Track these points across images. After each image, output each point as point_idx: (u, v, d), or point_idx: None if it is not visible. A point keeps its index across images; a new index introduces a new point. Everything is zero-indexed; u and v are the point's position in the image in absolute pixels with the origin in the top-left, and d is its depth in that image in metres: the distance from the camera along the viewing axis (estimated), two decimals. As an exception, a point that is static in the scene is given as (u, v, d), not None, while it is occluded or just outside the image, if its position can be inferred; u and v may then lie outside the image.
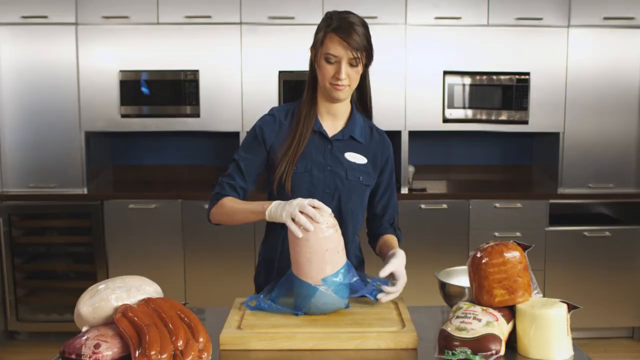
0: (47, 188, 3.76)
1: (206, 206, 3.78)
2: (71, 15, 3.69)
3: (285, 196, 1.78)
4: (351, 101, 1.89)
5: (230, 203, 1.78)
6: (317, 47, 1.77)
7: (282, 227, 1.64)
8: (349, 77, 1.74)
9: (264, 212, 1.64)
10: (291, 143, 1.80)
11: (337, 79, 1.73)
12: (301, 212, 1.54)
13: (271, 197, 1.83)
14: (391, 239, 1.90)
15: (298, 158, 1.79)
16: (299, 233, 1.53)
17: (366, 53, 1.75)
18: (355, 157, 1.85)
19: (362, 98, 1.92)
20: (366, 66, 1.81)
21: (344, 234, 1.70)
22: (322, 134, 1.83)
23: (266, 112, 1.92)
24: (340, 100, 1.80)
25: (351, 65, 1.73)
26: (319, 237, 1.53)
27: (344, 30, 1.70)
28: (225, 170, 1.87)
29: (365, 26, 1.76)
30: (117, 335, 1.36)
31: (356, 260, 1.93)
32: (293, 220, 1.54)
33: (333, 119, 1.86)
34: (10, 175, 3.77)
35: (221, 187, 1.83)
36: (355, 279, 1.60)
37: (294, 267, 1.58)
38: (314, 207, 1.56)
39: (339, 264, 1.57)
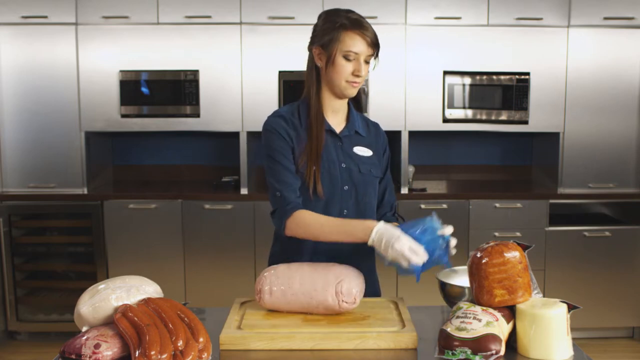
0: (47, 188, 3.76)
1: (207, 206, 3.74)
2: (71, 15, 3.69)
3: (316, 196, 1.76)
4: None
5: (315, 220, 1.71)
6: (331, 45, 1.72)
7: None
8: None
9: (366, 239, 1.61)
10: (311, 146, 1.77)
11: (357, 76, 1.73)
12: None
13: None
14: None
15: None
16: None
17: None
18: (363, 151, 1.86)
19: (357, 95, 1.89)
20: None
21: None
22: (331, 131, 1.83)
23: (265, 113, 1.90)
24: (350, 96, 1.81)
25: (366, 61, 1.75)
26: None
27: (362, 27, 1.72)
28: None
29: None
30: (117, 335, 1.36)
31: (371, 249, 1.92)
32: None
33: (335, 115, 1.86)
34: (10, 175, 3.77)
35: (286, 199, 1.73)
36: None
37: None
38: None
39: None
